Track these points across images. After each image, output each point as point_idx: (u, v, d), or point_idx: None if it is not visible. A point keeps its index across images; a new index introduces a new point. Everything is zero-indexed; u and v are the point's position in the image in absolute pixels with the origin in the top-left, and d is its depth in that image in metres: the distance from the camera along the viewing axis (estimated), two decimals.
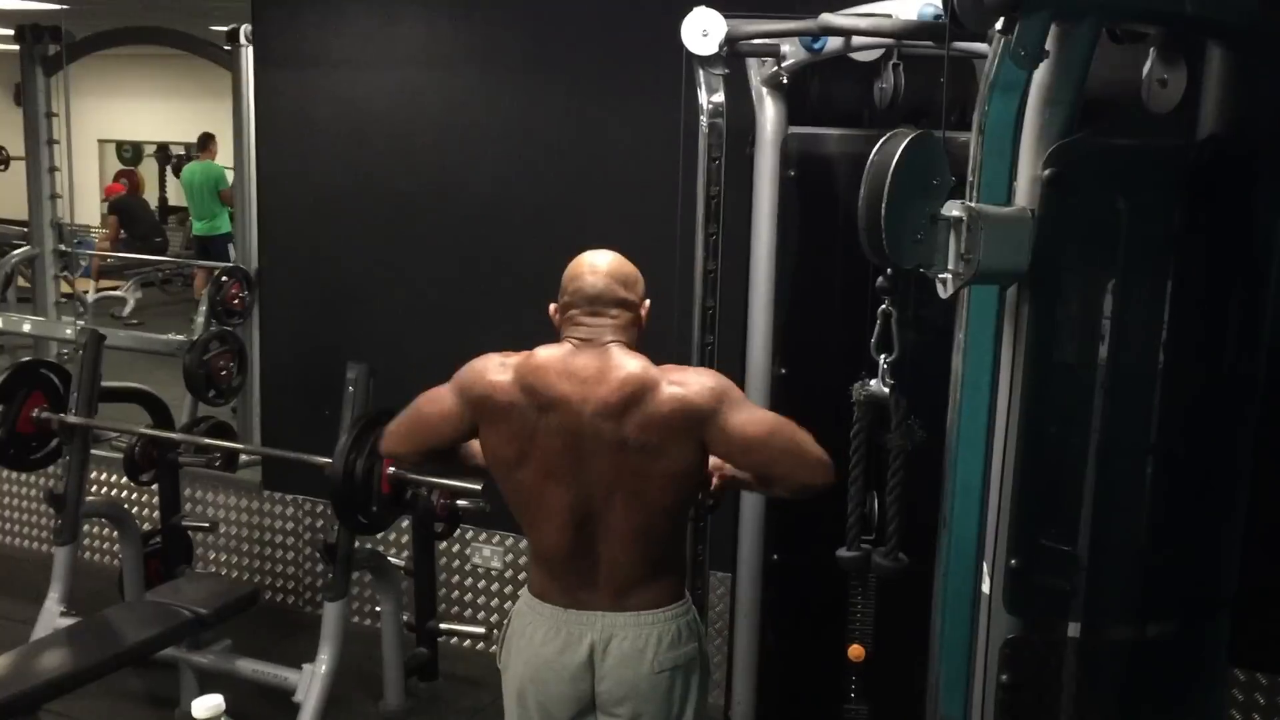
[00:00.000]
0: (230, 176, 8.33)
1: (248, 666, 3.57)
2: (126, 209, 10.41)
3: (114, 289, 8.89)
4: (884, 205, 1.65)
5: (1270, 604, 2.52)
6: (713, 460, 2.27)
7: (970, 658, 1.88)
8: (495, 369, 2.23)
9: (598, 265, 2.24)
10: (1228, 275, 1.87)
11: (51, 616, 3.76)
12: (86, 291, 7.42)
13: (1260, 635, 2.61)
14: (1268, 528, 2.24)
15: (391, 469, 3.42)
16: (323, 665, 3.47)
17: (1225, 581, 1.98)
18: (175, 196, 11.26)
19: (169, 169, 11.89)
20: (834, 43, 2.64)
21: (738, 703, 3.10)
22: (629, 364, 2.17)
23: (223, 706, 1.63)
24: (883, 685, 2.51)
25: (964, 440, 1.85)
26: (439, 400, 2.30)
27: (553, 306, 2.27)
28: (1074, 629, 1.85)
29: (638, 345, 2.26)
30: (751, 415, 2.20)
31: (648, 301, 2.28)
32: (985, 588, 1.84)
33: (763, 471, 2.23)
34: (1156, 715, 1.97)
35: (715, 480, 2.34)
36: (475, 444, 2.34)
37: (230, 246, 8.44)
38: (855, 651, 2.42)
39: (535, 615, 2.29)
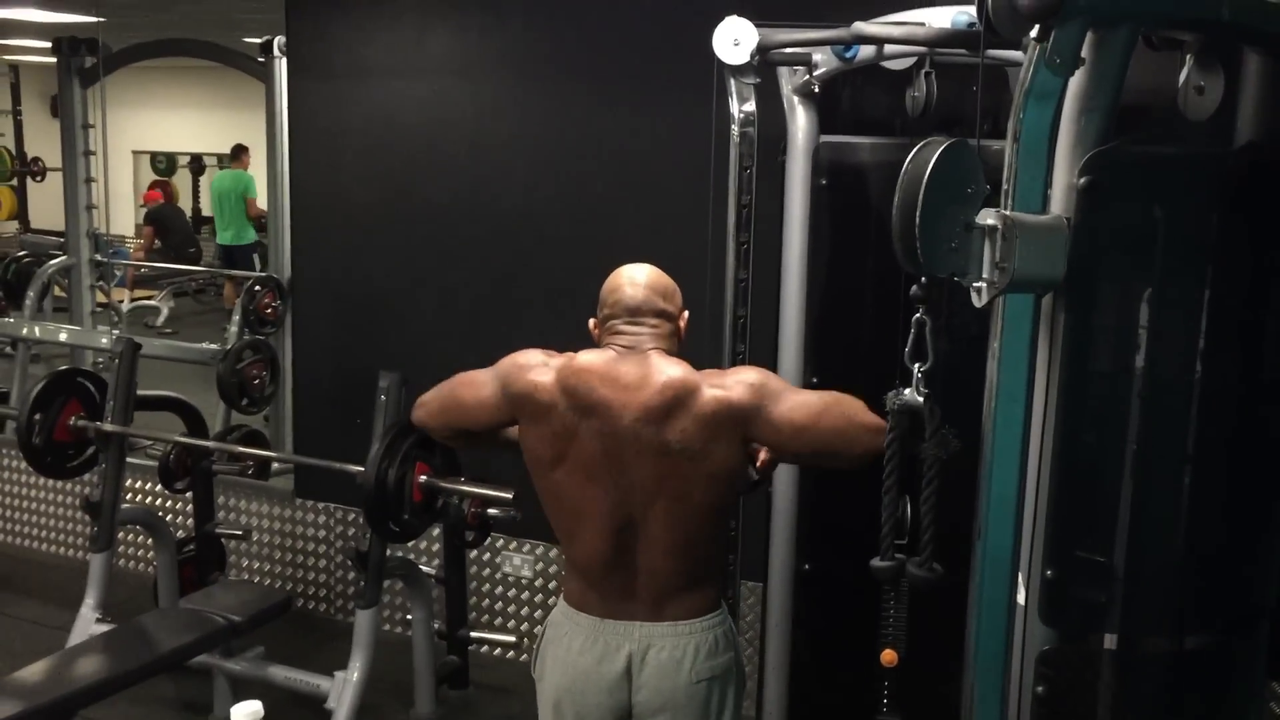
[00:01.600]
0: (258, 186, 8.43)
1: (280, 673, 3.59)
2: (162, 218, 10.51)
3: (148, 298, 8.98)
4: (918, 213, 1.65)
5: None
6: None
7: (1005, 669, 1.86)
8: (539, 367, 2.25)
9: (637, 278, 2.27)
10: (1265, 283, 1.85)
11: (87, 623, 3.79)
12: (122, 301, 7.49)
13: None
14: None
15: (423, 477, 3.43)
16: (354, 673, 3.48)
17: (1263, 593, 1.96)
18: (208, 207, 11.36)
19: (202, 179, 12.00)
20: (866, 51, 2.63)
21: (768, 713, 3.09)
22: (670, 369, 2.19)
23: (261, 712, 1.65)
24: (916, 696, 2.49)
25: (999, 450, 1.84)
26: (478, 386, 2.32)
27: (592, 322, 2.29)
28: (1110, 641, 1.84)
29: (677, 355, 2.28)
30: (796, 402, 2.20)
31: (686, 313, 2.30)
32: (1020, 599, 1.83)
33: (820, 451, 2.24)
34: None
35: (762, 455, 2.33)
36: (512, 430, 2.35)
37: (255, 256, 8.52)
38: (887, 657, 2.40)
39: (572, 625, 2.29)
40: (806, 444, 2.22)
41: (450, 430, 2.44)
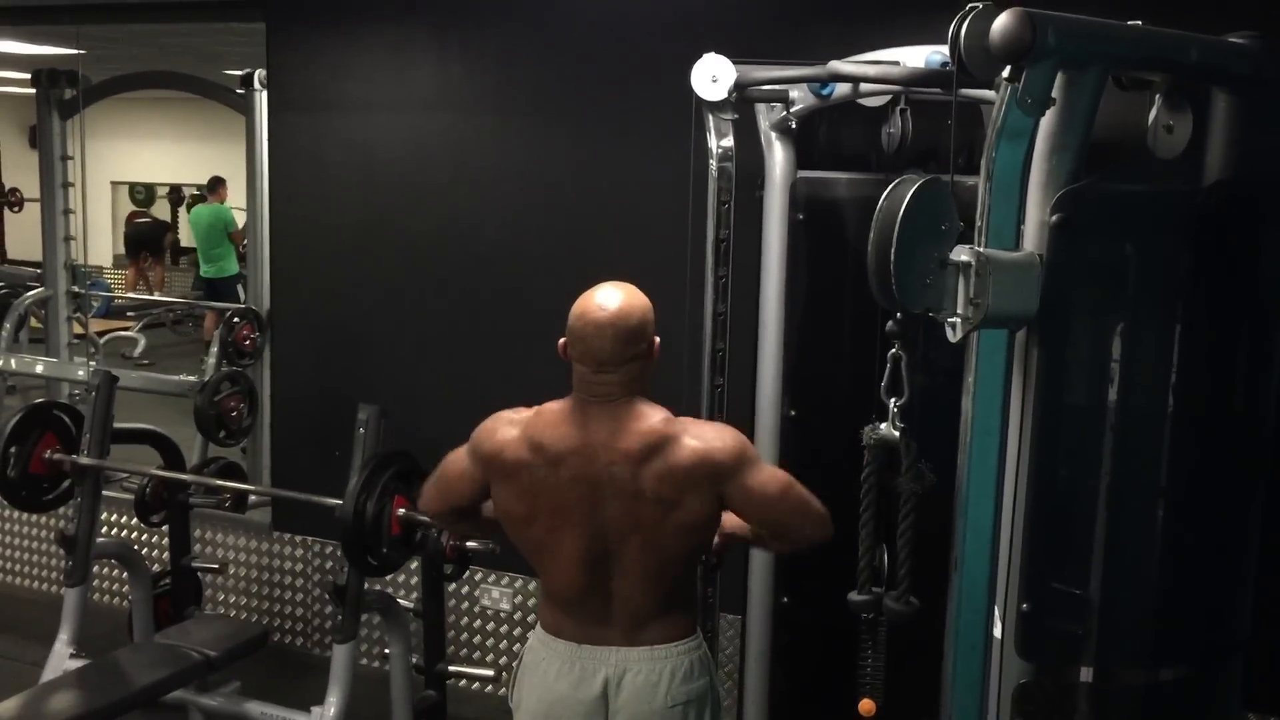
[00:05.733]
0: (240, 218, 8.42)
1: (256, 709, 3.55)
2: (144, 233, 10.61)
3: (125, 329, 8.93)
4: (893, 249, 1.67)
5: None
6: None
7: (982, 702, 1.87)
8: (504, 426, 2.26)
9: (603, 325, 2.18)
10: (1236, 319, 1.88)
11: (61, 658, 3.74)
12: (101, 334, 7.45)
13: (1274, 678, 2.60)
14: None
15: (401, 510, 3.42)
16: (331, 708, 3.45)
17: (1238, 625, 1.98)
18: (187, 238, 11.35)
19: (181, 210, 12.01)
20: (842, 89, 2.66)
21: None
22: (650, 416, 2.19)
23: None
24: None
25: (974, 484, 1.85)
26: (458, 461, 2.34)
27: (562, 341, 2.27)
28: (1086, 673, 1.85)
29: (649, 379, 2.27)
30: (769, 474, 2.24)
31: (657, 339, 2.28)
32: (997, 631, 1.84)
33: (774, 528, 2.28)
34: None
35: (716, 539, 2.37)
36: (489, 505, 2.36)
37: (239, 288, 8.50)
38: (866, 706, 2.41)
39: (548, 651, 2.30)
40: (769, 516, 2.24)
41: (449, 512, 2.43)
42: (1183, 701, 1.93)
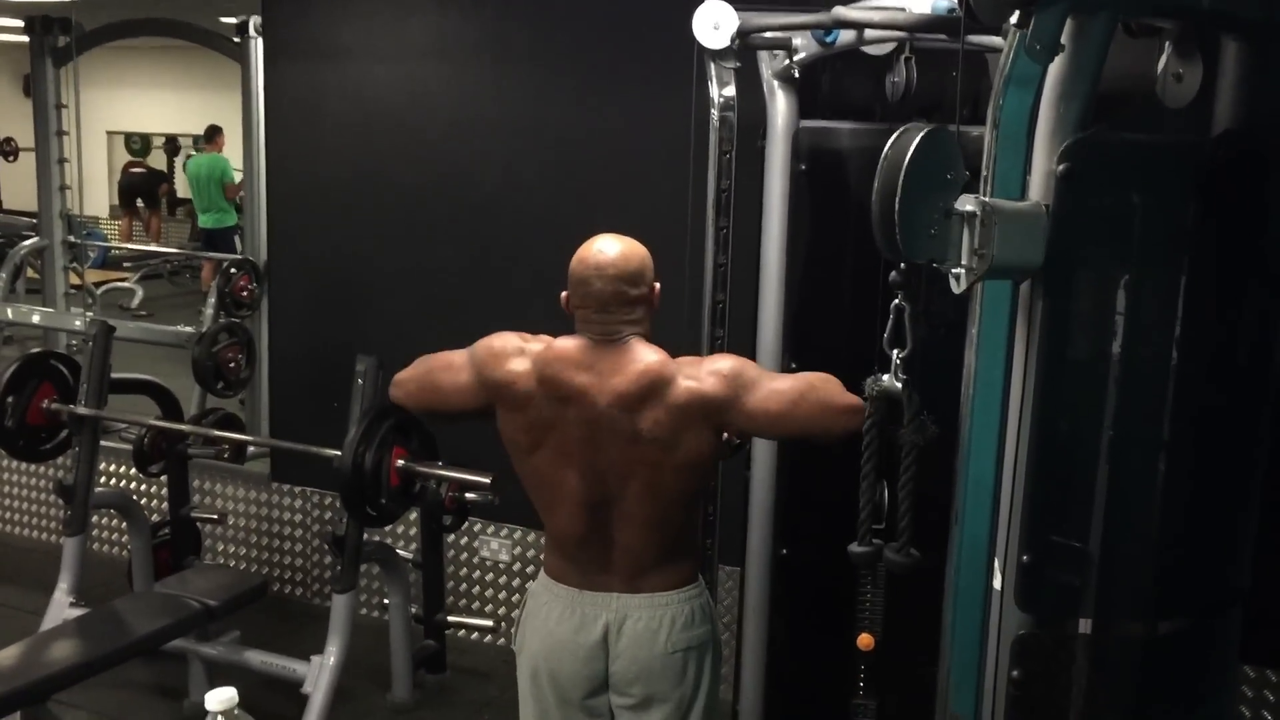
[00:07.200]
0: (235, 170, 8.38)
1: (256, 658, 3.58)
2: (138, 183, 10.56)
3: (122, 280, 8.91)
4: (898, 200, 1.65)
5: None
6: None
7: (981, 653, 1.88)
8: (515, 356, 2.25)
9: (604, 267, 2.20)
10: (1242, 270, 1.86)
11: (61, 607, 3.76)
12: (98, 284, 7.43)
13: (1272, 631, 2.60)
14: None
15: (400, 461, 3.42)
16: (331, 657, 3.47)
17: (1237, 577, 1.98)
18: (183, 189, 11.29)
19: (177, 160, 11.93)
20: (846, 36, 2.63)
21: (746, 696, 3.10)
22: (647, 357, 2.19)
23: (236, 699, 1.63)
24: (892, 680, 2.51)
25: (976, 435, 1.84)
26: (455, 371, 2.32)
27: (564, 295, 2.26)
28: (1085, 625, 1.85)
29: (652, 323, 2.27)
30: (771, 389, 2.20)
31: (658, 285, 2.27)
32: (996, 583, 1.84)
33: (797, 436, 2.28)
34: (1167, 711, 1.96)
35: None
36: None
37: (237, 239, 8.47)
38: (864, 640, 2.43)
39: (551, 596, 2.31)
40: (783, 430, 2.25)
41: (426, 412, 2.45)
42: (1181, 653, 1.94)
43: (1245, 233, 1.85)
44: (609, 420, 2.17)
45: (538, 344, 2.25)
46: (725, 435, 2.30)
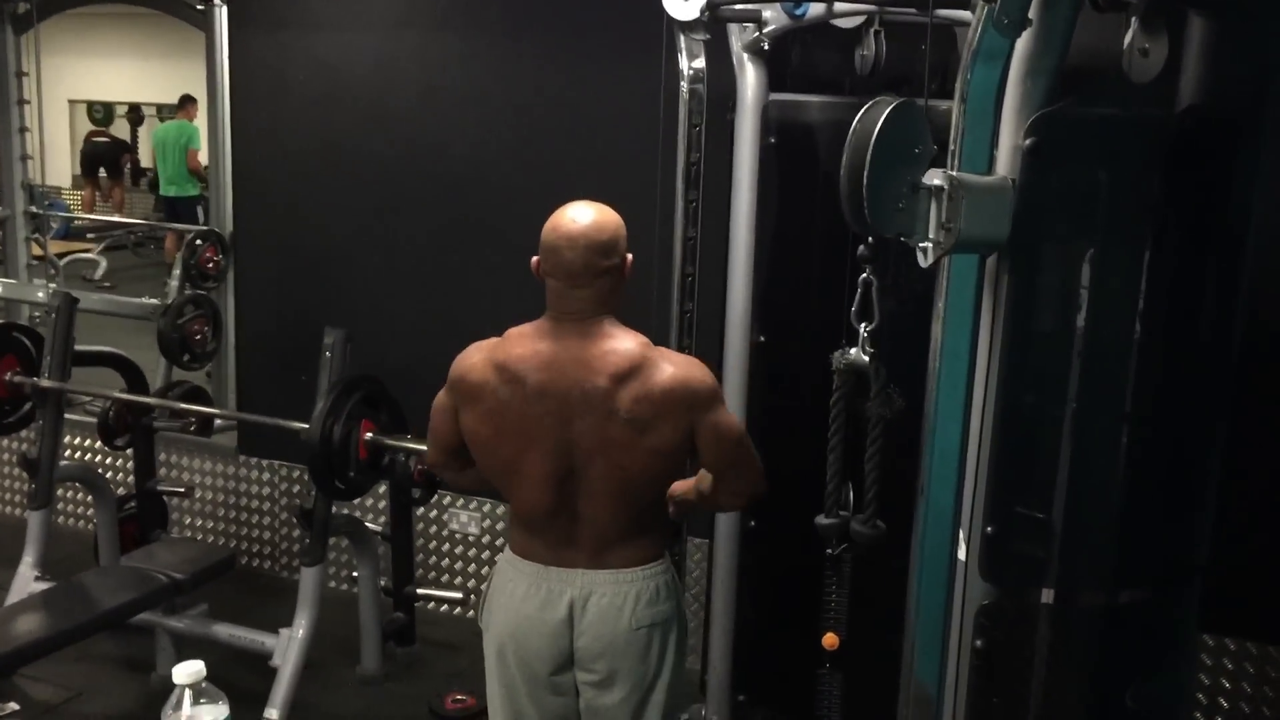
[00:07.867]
0: (203, 137, 8.27)
1: (224, 631, 3.57)
2: (101, 152, 10.43)
3: (85, 251, 8.81)
4: (865, 173, 1.65)
5: (1239, 570, 2.55)
6: None
7: (945, 623, 1.90)
8: (471, 353, 2.28)
9: (575, 238, 2.19)
10: (1206, 246, 1.87)
11: (26, 581, 3.74)
12: (61, 255, 7.34)
13: (1230, 601, 2.65)
14: (1240, 495, 2.27)
15: (369, 435, 3.41)
16: (300, 630, 3.47)
17: (1196, 549, 2.01)
18: (147, 158, 11.15)
19: (141, 130, 11.79)
20: (816, 8, 2.63)
21: (713, 667, 3.13)
22: (628, 338, 2.20)
23: (203, 672, 1.63)
24: (858, 649, 2.53)
25: (942, 408, 1.86)
26: (441, 411, 2.34)
27: (534, 260, 2.25)
28: (1048, 595, 1.87)
29: (620, 297, 2.26)
30: (732, 419, 2.32)
31: (629, 256, 2.27)
32: (961, 554, 1.86)
33: (726, 470, 2.28)
34: (1128, 680, 1.99)
35: (671, 508, 2.39)
36: None
37: (199, 209, 8.38)
38: (829, 640, 2.44)
39: (516, 572, 2.31)
40: (726, 457, 2.26)
41: (446, 457, 2.40)
42: (1141, 623, 1.97)
43: (1209, 207, 1.86)
44: (580, 395, 2.16)
45: (492, 340, 2.27)
46: (670, 508, 2.37)
